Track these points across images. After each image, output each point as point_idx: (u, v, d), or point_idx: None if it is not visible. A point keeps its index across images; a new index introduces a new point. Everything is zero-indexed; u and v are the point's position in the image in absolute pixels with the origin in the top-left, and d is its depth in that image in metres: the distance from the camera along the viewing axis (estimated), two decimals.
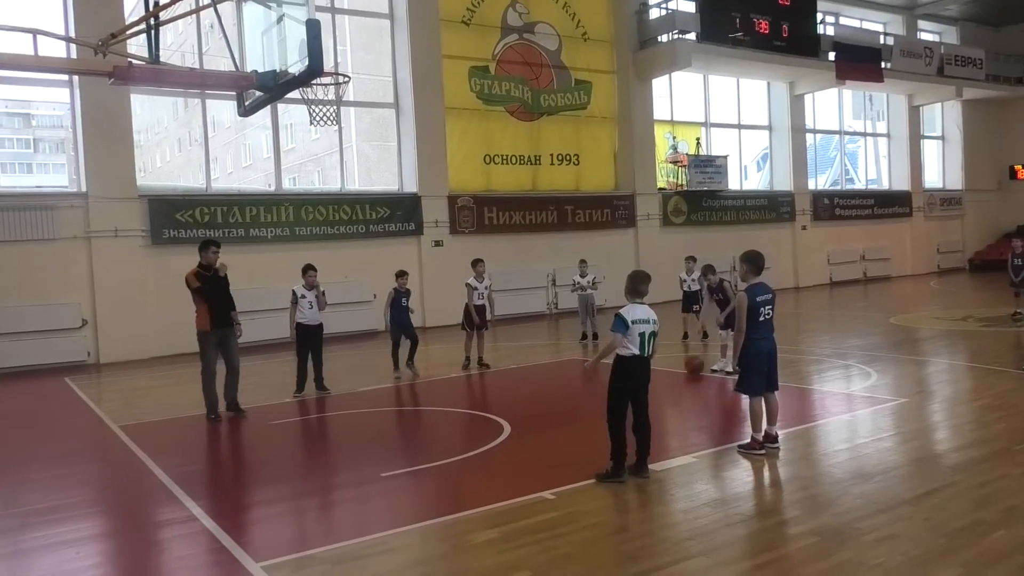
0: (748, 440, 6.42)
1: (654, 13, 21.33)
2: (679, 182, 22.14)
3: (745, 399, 6.64)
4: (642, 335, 5.71)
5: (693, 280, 13.17)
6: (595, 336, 13.58)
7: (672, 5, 21.17)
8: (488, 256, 18.89)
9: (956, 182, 29.87)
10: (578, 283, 13.98)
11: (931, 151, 29.98)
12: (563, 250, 19.28)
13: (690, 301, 13.38)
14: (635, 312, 5.76)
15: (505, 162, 19.48)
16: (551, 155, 20.16)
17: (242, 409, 8.79)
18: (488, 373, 11.16)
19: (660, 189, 21.84)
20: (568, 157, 20.44)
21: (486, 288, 11.42)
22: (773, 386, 6.50)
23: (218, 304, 8.49)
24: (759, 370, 6.33)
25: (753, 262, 6.32)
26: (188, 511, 5.59)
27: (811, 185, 25.72)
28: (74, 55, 9.65)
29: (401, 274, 10.91)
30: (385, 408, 9.22)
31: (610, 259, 19.34)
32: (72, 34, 13.68)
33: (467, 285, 11.28)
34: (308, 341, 9.88)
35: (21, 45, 8.34)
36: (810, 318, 17.35)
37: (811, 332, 14.44)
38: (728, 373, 9.66)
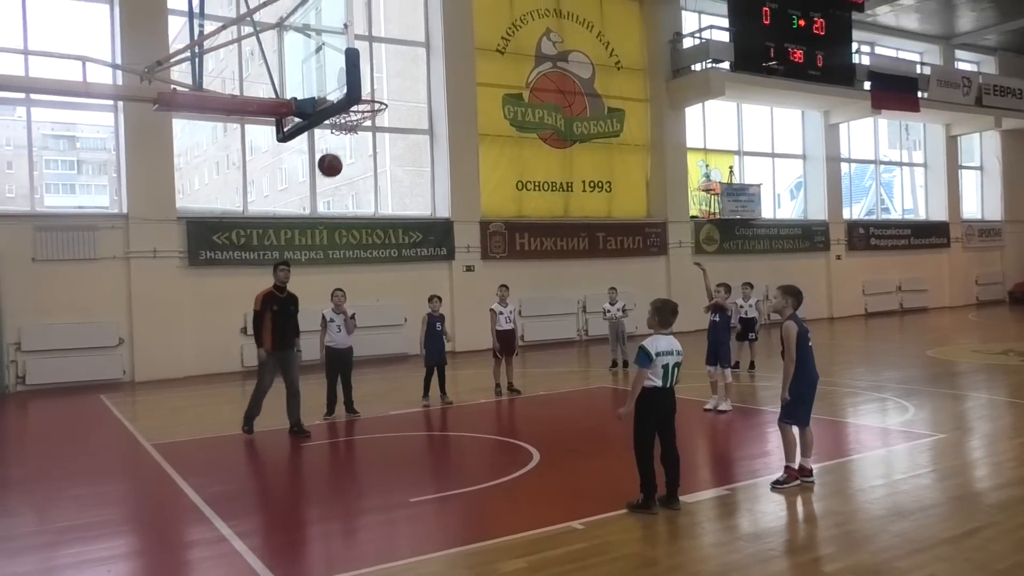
0: (781, 474, 6.32)
1: (688, 43, 21.42)
2: (712, 210, 22.06)
3: (776, 430, 6.55)
4: (665, 367, 5.68)
5: (751, 306, 12.99)
6: (625, 363, 13.49)
7: (706, 35, 21.24)
8: (519, 281, 19.14)
9: (995, 212, 29.36)
10: (608, 310, 13.95)
11: (969, 181, 29.52)
12: (594, 276, 19.26)
13: (747, 328, 13.22)
14: (659, 343, 5.73)
15: (537, 188, 19.56)
16: (583, 182, 20.20)
17: (306, 430, 8.78)
18: (518, 399, 11.11)
19: (692, 217, 21.77)
20: (600, 184, 20.48)
21: (511, 312, 11.46)
22: (809, 418, 6.45)
23: (282, 328, 8.62)
24: (806, 401, 6.33)
25: (795, 295, 6.30)
26: (218, 532, 5.61)
27: (846, 214, 25.45)
28: (120, 81, 9.91)
29: (434, 298, 10.98)
30: (415, 432, 9.22)
31: (641, 286, 19.29)
32: (119, 61, 14.07)
33: (491, 311, 11.25)
34: (338, 364, 9.93)
35: (69, 71, 8.59)
36: (845, 349, 17.06)
37: (846, 364, 14.20)
38: (720, 412, 9.42)
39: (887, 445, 7.93)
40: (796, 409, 6.35)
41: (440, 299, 10.97)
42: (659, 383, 5.67)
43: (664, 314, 5.82)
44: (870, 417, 9.39)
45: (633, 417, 5.75)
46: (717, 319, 9.96)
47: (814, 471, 6.48)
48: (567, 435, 8.68)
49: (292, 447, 8.26)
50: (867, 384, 11.47)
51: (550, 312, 19.09)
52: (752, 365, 12.92)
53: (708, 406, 9.69)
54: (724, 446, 8.39)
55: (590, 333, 19.42)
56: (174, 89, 8.69)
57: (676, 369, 5.70)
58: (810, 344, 6.29)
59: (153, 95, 8.45)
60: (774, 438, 6.73)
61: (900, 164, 28.11)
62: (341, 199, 22.98)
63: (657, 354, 5.66)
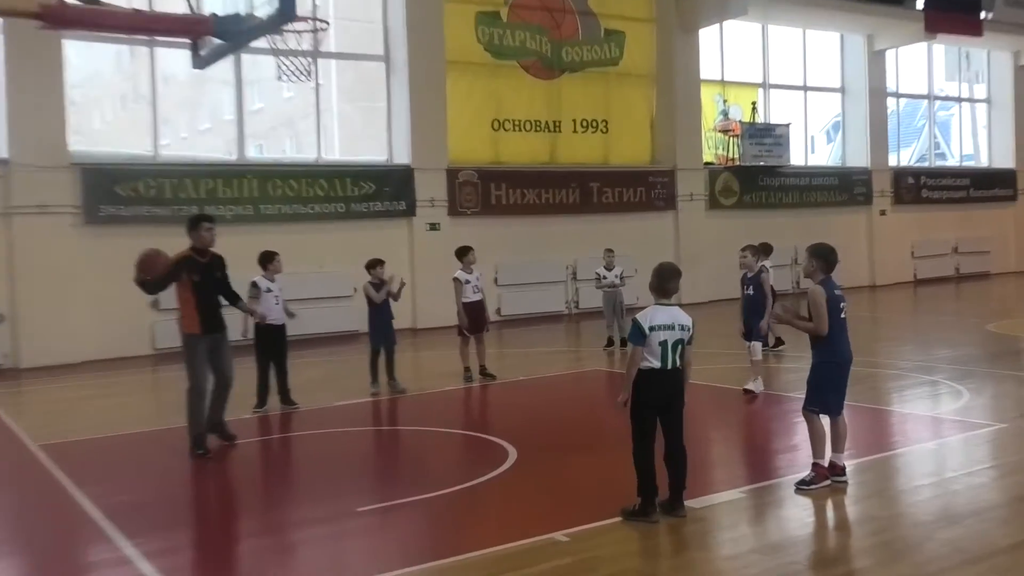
0: (808, 473, 6.36)
1: None
2: (730, 156, 22.11)
3: (802, 419, 6.61)
4: (663, 344, 5.66)
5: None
6: (623, 342, 13.57)
7: None
8: (494, 243, 19.05)
9: None
10: (604, 277, 13.96)
11: None
12: (587, 237, 19.30)
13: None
14: (656, 316, 5.71)
15: (518, 129, 19.52)
16: (574, 121, 20.18)
17: (232, 435, 8.38)
18: (492, 386, 11.23)
19: (707, 164, 21.83)
20: (595, 124, 20.46)
21: (479, 279, 11.54)
22: (842, 405, 6.48)
23: (208, 302, 8.01)
24: (837, 385, 6.34)
25: (825, 258, 6.30)
26: (121, 552, 5.56)
27: (892, 161, 25.57)
28: None
29: (377, 264, 10.94)
30: (365, 428, 9.25)
31: (644, 248, 19.32)
32: None
33: (455, 280, 11.30)
34: (271, 345, 9.87)
35: None
36: (889, 324, 17.25)
37: (890, 341, 14.36)
38: (746, 392, 9.86)
39: (937, 437, 8.02)
40: (824, 395, 6.38)
41: (382, 263, 10.96)
42: (657, 363, 5.66)
43: (662, 280, 5.80)
44: (917, 404, 9.50)
45: (629, 406, 5.78)
46: (751, 290, 10.09)
47: (847, 469, 6.52)
48: (551, 429, 8.78)
49: (216, 448, 8.20)
50: (914, 365, 11.60)
51: (532, 280, 19.13)
52: (779, 341, 13.07)
53: (749, 386, 9.99)
54: (742, 439, 8.47)
55: (581, 305, 19.49)
56: (62, 1, 8.47)
57: (680, 347, 5.69)
58: (843, 316, 6.31)
59: (35, 8, 8.23)
60: (802, 429, 6.79)
61: (959, 100, 28.27)
62: (277, 142, 22.77)
63: (651, 328, 5.65)
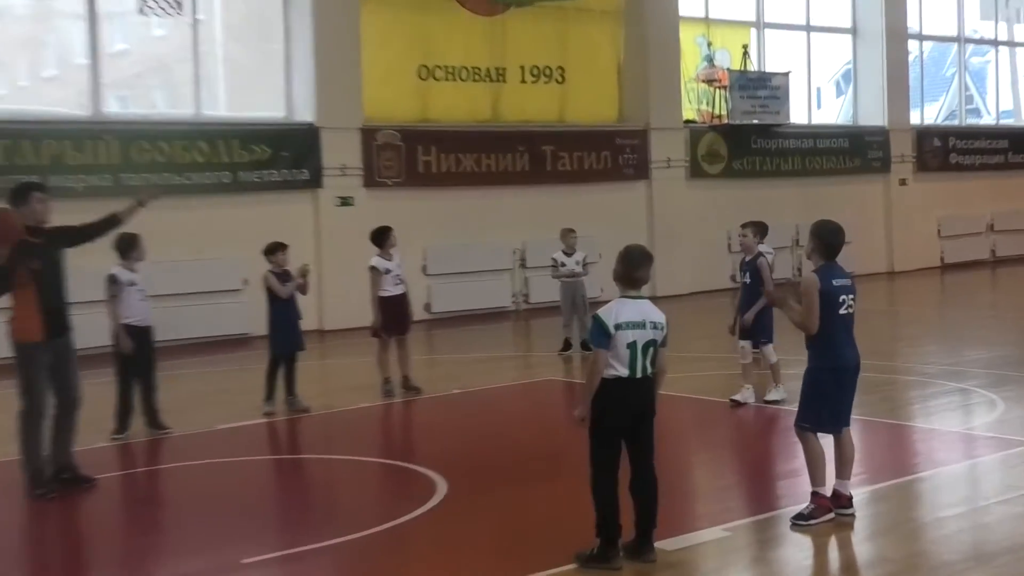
0: (806, 505, 6.42)
1: None
2: (716, 112, 22.32)
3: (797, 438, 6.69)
4: (632, 346, 5.66)
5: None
6: (584, 345, 13.62)
7: None
8: (423, 222, 18.86)
9: None
10: (562, 264, 13.99)
11: None
12: (539, 214, 19.33)
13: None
14: (623, 312, 5.71)
15: (451, 78, 19.48)
16: (522, 68, 20.20)
17: (87, 476, 8.00)
18: (418, 402, 11.23)
19: (687, 122, 22.02)
20: (548, 72, 20.47)
21: (401, 268, 11.53)
22: (845, 420, 6.58)
23: (51, 296, 7.62)
24: (832, 394, 6.39)
25: (825, 239, 6.35)
26: None
27: (915, 119, 26.02)
28: None
29: (278, 249, 10.84)
30: (256, 457, 9.18)
31: (609, 228, 19.26)
32: None
33: (371, 269, 11.34)
34: (134, 353, 9.69)
35: None
36: (910, 319, 17.54)
37: (911, 340, 14.59)
38: (772, 402, 10.05)
39: (966, 457, 8.14)
40: (816, 408, 6.44)
41: (286, 248, 10.87)
42: (623, 371, 5.66)
43: (630, 267, 5.79)
44: (943, 417, 9.65)
45: (588, 424, 5.76)
46: (748, 279, 10.17)
47: (854, 499, 6.59)
48: (491, 454, 8.78)
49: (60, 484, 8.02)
50: (940, 369, 11.79)
51: (470, 268, 19.14)
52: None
53: (738, 397, 10.11)
54: (729, 464, 8.55)
55: (532, 299, 19.55)
56: None
57: (652, 349, 5.69)
58: (846, 310, 6.33)
59: None
60: (799, 451, 6.85)
61: (996, 43, 28.78)
62: (144, 93, 22.35)
63: (618, 327, 5.66)
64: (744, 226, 10.48)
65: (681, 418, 9.85)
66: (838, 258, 6.49)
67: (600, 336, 5.67)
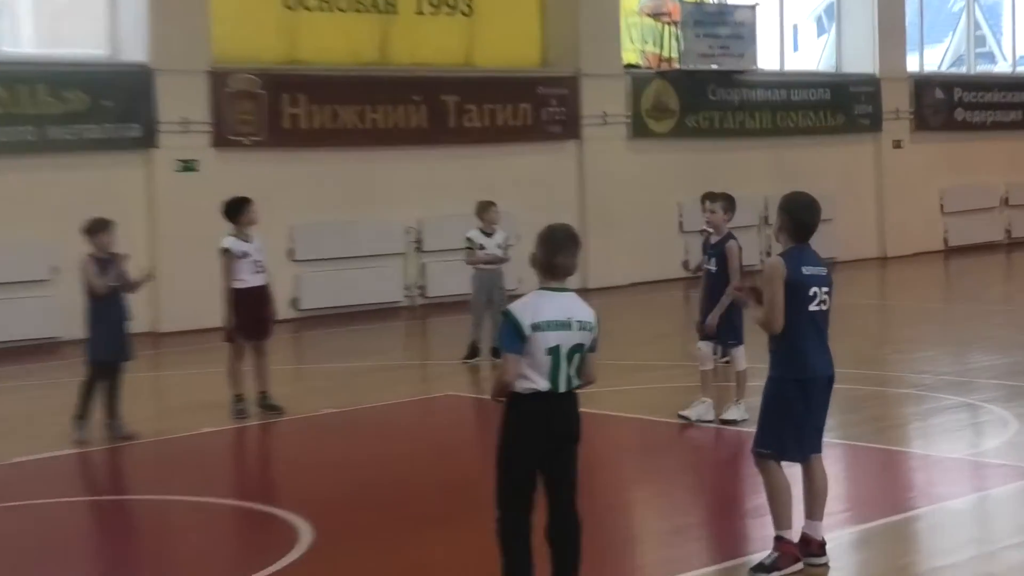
0: (768, 553, 6.41)
1: None
2: (665, 55, 22.42)
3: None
4: (553, 352, 5.58)
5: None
6: (496, 351, 13.60)
7: None
8: (290, 193, 18.73)
9: None
10: (480, 247, 13.88)
11: None
12: (439, 184, 19.37)
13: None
14: (542, 308, 5.62)
15: (327, 7, 19.39)
16: None
17: None
18: (279, 425, 11.21)
19: (628, 67, 22.09)
20: (451, 2, 20.45)
21: (262, 251, 11.41)
22: (815, 445, 6.54)
23: None
24: (799, 412, 6.33)
25: (795, 215, 6.32)
26: None
27: (912, 66, 26.37)
28: None
29: (97, 228, 10.62)
30: (65, 499, 8.94)
31: (531, 201, 19.39)
32: None
33: (223, 252, 11.29)
34: None
35: None
36: (904, 316, 17.74)
37: (905, 343, 14.76)
38: (730, 422, 10.05)
39: (973, 490, 8.18)
40: (779, 429, 6.42)
41: (111, 226, 10.61)
42: (541, 383, 5.59)
43: (551, 251, 5.70)
44: (945, 439, 9.71)
45: (496, 453, 5.72)
46: (712, 267, 10.13)
47: (827, 544, 6.59)
48: (371, 491, 8.72)
49: None
50: (940, 379, 11.87)
51: (351, 253, 19.13)
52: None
53: (688, 413, 10.17)
54: (679, 501, 8.49)
55: (431, 292, 19.60)
56: None
57: (578, 356, 5.63)
58: (818, 306, 6.25)
59: None
60: (761, 484, 6.83)
61: None
62: None
63: (535, 327, 5.58)
64: (711, 199, 10.41)
65: (616, 443, 9.81)
66: (813, 240, 6.43)
67: (512, 338, 5.58)
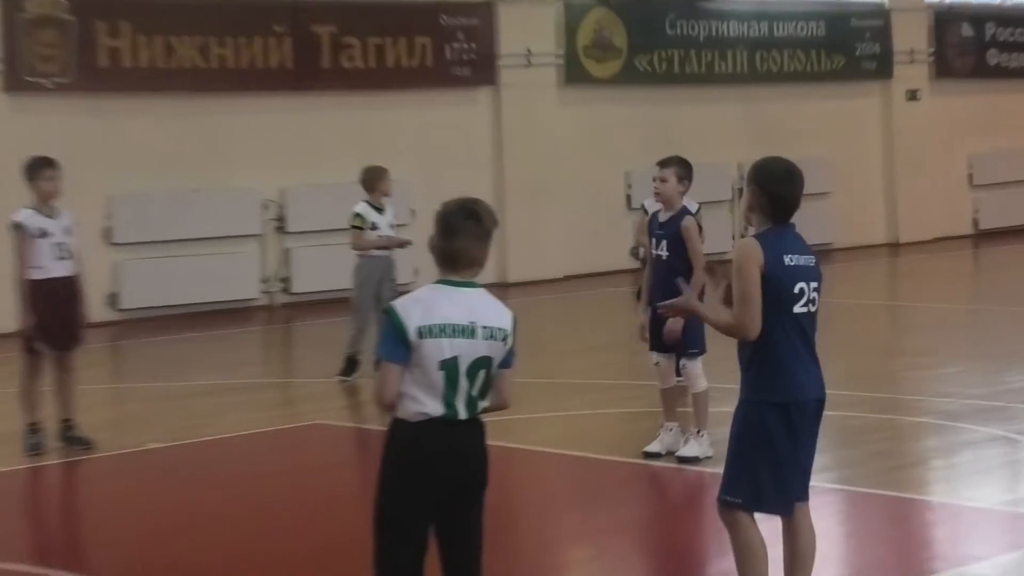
0: None
1: None
2: None
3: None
4: (449, 366, 5.59)
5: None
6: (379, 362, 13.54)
7: None
8: (108, 151, 18.76)
9: None
10: (372, 226, 13.78)
11: None
12: (309, 142, 19.53)
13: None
14: (436, 305, 5.51)
15: None
16: None
17: None
18: (89, 464, 11.25)
19: None
20: None
21: (65, 232, 11.32)
22: (801, 492, 6.53)
23: None
24: (779, 447, 6.34)
25: (770, 186, 6.27)
26: None
27: None
28: None
29: None
30: None
31: (432, 166, 19.67)
32: None
33: (13, 227, 11.30)
34: None
35: None
36: (922, 321, 17.89)
37: (923, 357, 14.88)
38: (688, 460, 10.13)
39: (1012, 547, 8.24)
40: (752, 470, 6.41)
41: None
42: (433, 407, 5.58)
43: (452, 234, 5.64)
44: (971, 483, 9.76)
45: (374, 500, 5.68)
46: (664, 252, 10.11)
47: None
48: (209, 557, 8.71)
49: None
50: (967, 404, 11.98)
51: (189, 234, 19.29)
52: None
53: (653, 448, 10.31)
54: (623, 566, 8.52)
55: (297, 288, 19.75)
56: None
57: (484, 372, 5.58)
58: (804, 307, 6.20)
59: None
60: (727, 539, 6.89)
61: None
62: None
63: (426, 331, 5.59)
64: (664, 165, 10.40)
65: (540, 489, 9.88)
66: (796, 219, 6.40)
67: (393, 344, 5.53)
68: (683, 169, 10.25)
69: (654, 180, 10.46)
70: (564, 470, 10.41)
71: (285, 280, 19.78)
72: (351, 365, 13.77)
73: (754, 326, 6.24)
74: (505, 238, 19.89)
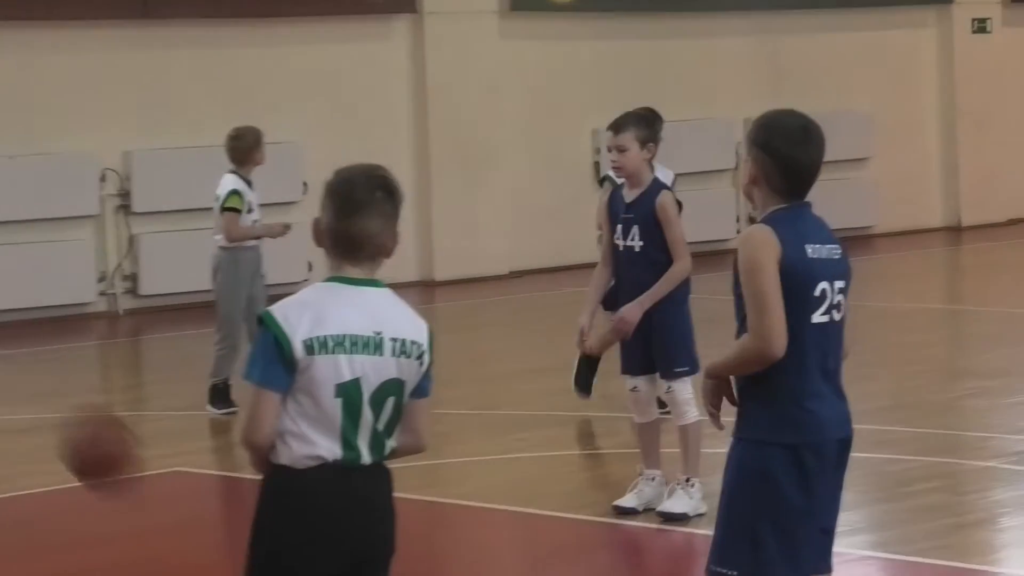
0: None
1: None
2: None
3: None
4: (349, 391, 5.46)
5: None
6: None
7: None
8: None
9: None
10: (249, 208, 13.81)
11: None
12: (168, 90, 19.62)
13: None
14: (326, 313, 5.43)
15: None
16: None
17: None
18: None
19: None
20: None
21: None
22: (821, 561, 6.53)
23: None
24: (790, 501, 6.31)
25: (780, 150, 6.23)
26: None
27: None
28: None
29: None
30: None
31: (335, 124, 19.83)
32: None
33: None
34: None
35: None
36: (993, 332, 17.93)
37: (994, 380, 14.87)
38: (673, 517, 10.16)
39: None
40: (752, 531, 6.34)
41: None
42: (329, 450, 5.43)
43: (344, 211, 5.61)
44: None
45: (245, 569, 5.63)
46: (636, 242, 10.12)
47: None
48: None
49: None
50: None
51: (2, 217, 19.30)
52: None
53: (628, 503, 10.35)
54: None
55: (146, 288, 19.81)
56: None
57: (393, 401, 5.55)
58: (827, 315, 6.22)
59: None
60: None
61: None
62: None
63: (317, 345, 5.45)
64: (618, 128, 10.43)
65: (474, 558, 9.83)
66: (815, 196, 6.42)
67: (269, 364, 5.40)
68: (645, 129, 10.21)
69: (609, 150, 10.44)
70: (508, 531, 10.42)
71: (131, 278, 19.82)
72: (220, 394, 13.80)
73: (779, 341, 6.10)
74: (431, 221, 20.04)
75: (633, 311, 9.94)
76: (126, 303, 19.73)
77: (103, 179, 19.57)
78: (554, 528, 10.36)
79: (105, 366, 17.95)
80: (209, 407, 13.85)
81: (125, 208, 19.72)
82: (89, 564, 10.55)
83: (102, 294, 19.69)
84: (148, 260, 19.58)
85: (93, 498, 11.73)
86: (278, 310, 5.49)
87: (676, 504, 10.05)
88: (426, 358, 5.62)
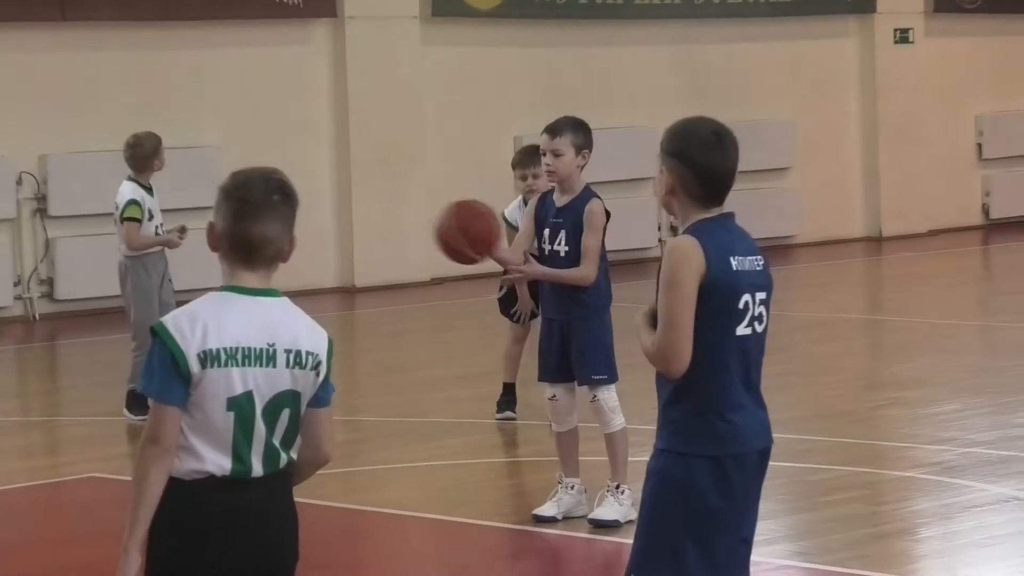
0: None
1: None
2: None
3: None
4: (239, 405, 5.41)
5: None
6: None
7: None
8: None
9: None
10: (151, 214, 13.73)
11: None
12: (83, 91, 19.45)
13: None
14: (221, 323, 5.39)
15: None
16: None
17: None
18: None
19: None
20: None
21: None
22: (740, 571, 6.52)
23: None
24: (712, 512, 6.30)
25: (694, 159, 6.20)
26: None
27: None
28: None
29: None
30: None
31: (252, 129, 19.77)
32: None
33: None
34: None
35: None
36: (912, 342, 18.07)
37: (914, 390, 15.06)
38: (604, 524, 10.16)
39: None
40: (672, 540, 6.14)
41: None
42: (217, 464, 5.37)
43: (248, 217, 5.57)
44: (970, 559, 9.79)
45: None
46: (562, 247, 10.10)
47: None
48: None
49: None
50: (971, 453, 12.13)
51: None
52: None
53: (547, 511, 10.32)
54: None
55: (62, 293, 19.75)
56: None
57: (289, 412, 5.50)
58: (749, 327, 6.22)
59: None
60: None
61: None
62: None
63: (210, 358, 5.40)
64: (554, 132, 10.40)
65: (391, 566, 9.78)
66: (735, 204, 6.40)
67: (166, 377, 5.38)
68: (581, 135, 10.21)
69: (543, 154, 10.41)
70: (427, 539, 10.42)
71: (47, 283, 19.72)
72: (138, 400, 13.71)
73: (680, 360, 6.07)
74: (351, 227, 19.92)
75: (535, 270, 10.04)
76: (42, 307, 19.62)
77: (19, 182, 19.46)
78: (474, 536, 10.36)
79: (21, 371, 17.86)
80: (126, 412, 13.80)
81: (41, 212, 19.61)
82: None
83: (18, 298, 19.57)
84: (64, 264, 19.46)
85: (11, 506, 11.74)
86: (171, 322, 5.45)
87: (607, 511, 10.06)
88: (323, 368, 5.59)
